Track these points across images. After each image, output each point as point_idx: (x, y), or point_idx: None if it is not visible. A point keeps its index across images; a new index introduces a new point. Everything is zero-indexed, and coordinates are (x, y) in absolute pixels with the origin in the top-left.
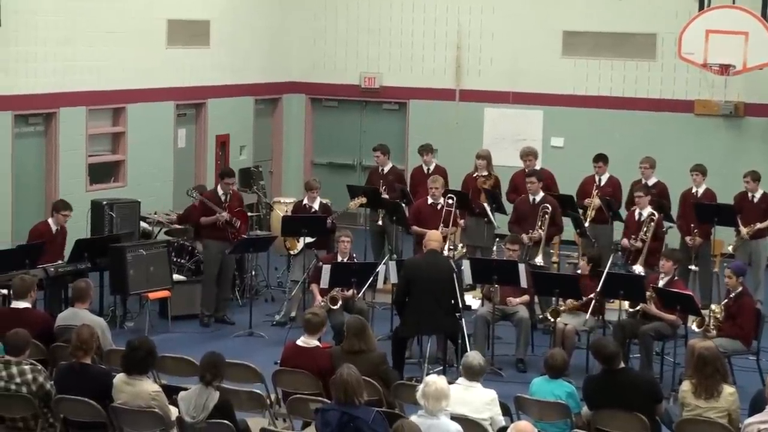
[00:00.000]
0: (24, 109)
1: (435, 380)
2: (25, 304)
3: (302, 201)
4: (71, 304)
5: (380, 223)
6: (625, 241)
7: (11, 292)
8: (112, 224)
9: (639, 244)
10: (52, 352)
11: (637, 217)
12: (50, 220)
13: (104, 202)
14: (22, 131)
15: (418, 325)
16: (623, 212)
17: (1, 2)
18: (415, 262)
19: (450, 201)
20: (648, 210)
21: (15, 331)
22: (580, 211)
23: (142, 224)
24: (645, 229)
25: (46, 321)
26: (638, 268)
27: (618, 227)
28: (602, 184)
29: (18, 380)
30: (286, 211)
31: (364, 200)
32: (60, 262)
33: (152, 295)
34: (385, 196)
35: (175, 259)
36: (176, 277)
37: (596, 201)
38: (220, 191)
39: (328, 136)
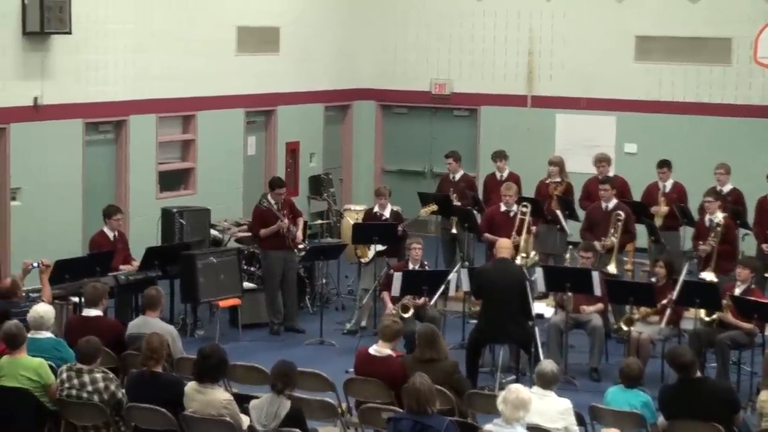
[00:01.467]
0: (94, 116)
1: (518, 388)
2: (97, 312)
3: (373, 208)
4: (142, 312)
5: (453, 230)
6: (701, 247)
7: (83, 299)
8: (183, 232)
9: (708, 248)
10: (123, 360)
11: (707, 224)
12: (105, 229)
13: (174, 210)
14: (93, 139)
15: (490, 333)
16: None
17: (72, 10)
18: (485, 270)
19: (525, 209)
20: (718, 215)
21: (86, 339)
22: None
23: (212, 232)
24: (713, 234)
25: (117, 329)
26: (708, 275)
27: (687, 234)
28: (667, 190)
29: (90, 388)
30: (357, 219)
31: (435, 207)
32: (130, 268)
33: (222, 303)
34: (457, 203)
35: (245, 267)
36: (246, 285)
37: (663, 208)
38: (272, 200)
39: (398, 143)
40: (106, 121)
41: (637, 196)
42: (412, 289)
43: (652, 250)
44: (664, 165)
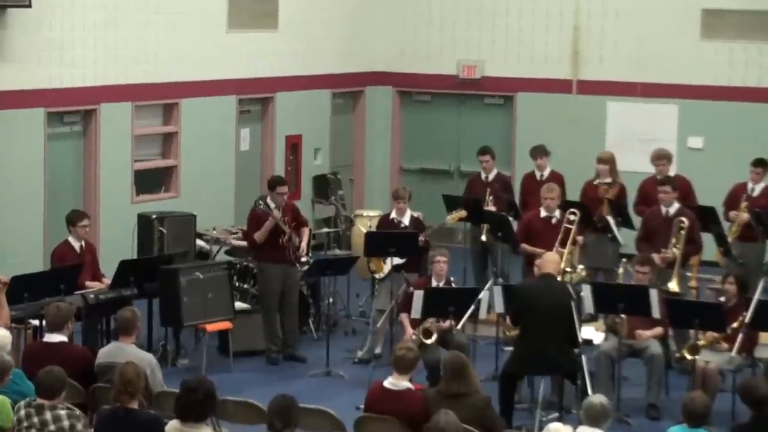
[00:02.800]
0: (58, 105)
1: (558, 428)
2: (61, 337)
3: (389, 214)
4: (114, 337)
5: (483, 239)
6: None
7: (44, 323)
8: (163, 242)
9: None
10: (92, 394)
11: None
12: (70, 238)
13: (153, 216)
14: (57, 132)
15: (528, 362)
16: None
17: None
18: (525, 287)
19: (572, 216)
20: None
21: (49, 370)
22: (726, 225)
23: (199, 242)
24: None
25: (86, 357)
26: None
27: None
28: (756, 194)
29: (52, 428)
30: (370, 227)
31: (464, 213)
32: (100, 286)
33: (210, 327)
34: (490, 208)
35: (237, 284)
36: (239, 305)
37: (743, 215)
38: (271, 204)
39: (420, 137)
40: (72, 110)
41: (703, 199)
42: (436, 311)
43: (723, 265)
44: (760, 164)
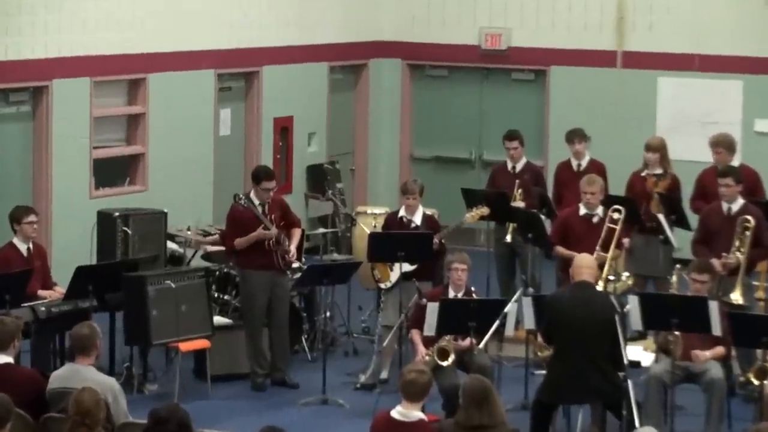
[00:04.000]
0: (2, 81)
1: None
2: (6, 358)
3: (397, 212)
4: (70, 358)
5: (508, 240)
6: None
7: None
8: (128, 244)
9: None
10: (43, 426)
11: None
12: (15, 240)
13: (116, 214)
14: (1, 113)
15: (564, 388)
16: None
17: None
18: (559, 299)
19: (616, 215)
20: None
21: None
22: None
23: (170, 245)
24: None
25: (35, 382)
26: None
27: None
28: None
29: None
30: (375, 226)
31: (486, 210)
32: (52, 296)
33: (184, 346)
34: (518, 203)
35: (216, 295)
36: (218, 320)
37: None
38: (255, 200)
39: (435, 119)
40: (18, 87)
41: None
42: (454, 326)
43: None
44: None
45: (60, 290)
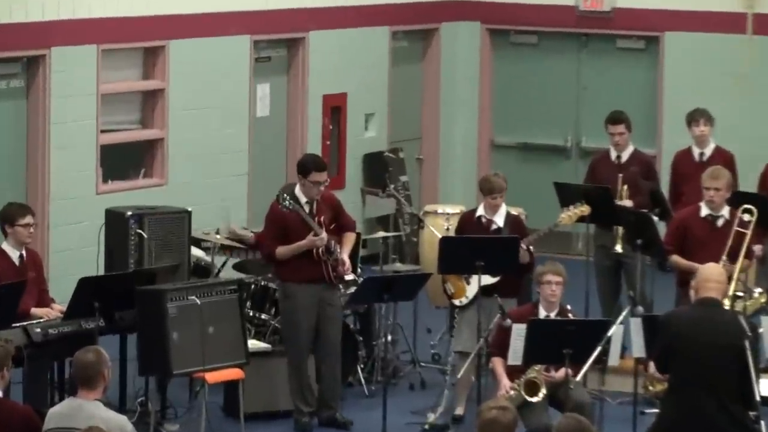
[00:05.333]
0: None
1: None
2: None
3: (475, 211)
4: (71, 391)
5: (618, 250)
6: None
7: None
8: (142, 251)
9: None
10: None
11: None
12: (5, 245)
13: (128, 213)
14: None
15: (682, 430)
16: None
17: None
18: (677, 320)
19: (746, 216)
20: None
21: None
22: None
23: (195, 251)
24: None
25: (28, 420)
26: None
27: None
28: None
29: None
30: (447, 229)
31: (586, 209)
32: (50, 314)
33: (212, 377)
34: (624, 202)
35: (252, 314)
36: (253, 344)
37: None
38: (301, 197)
39: (521, 97)
40: (9, 57)
41: None
42: (545, 354)
43: None
44: None
45: (59, 307)
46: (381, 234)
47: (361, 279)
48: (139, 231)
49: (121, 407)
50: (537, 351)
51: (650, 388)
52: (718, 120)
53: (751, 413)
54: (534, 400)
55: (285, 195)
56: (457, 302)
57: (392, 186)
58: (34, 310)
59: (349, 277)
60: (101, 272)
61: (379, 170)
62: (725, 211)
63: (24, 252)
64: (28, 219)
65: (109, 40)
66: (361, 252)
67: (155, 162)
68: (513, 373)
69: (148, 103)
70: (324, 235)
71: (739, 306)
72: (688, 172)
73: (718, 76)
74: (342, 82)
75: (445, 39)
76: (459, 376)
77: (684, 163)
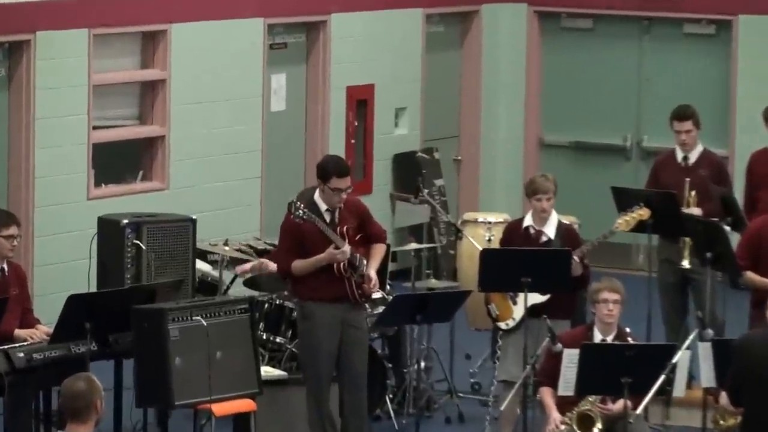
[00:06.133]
0: None
1: None
2: None
3: (521, 220)
4: (59, 424)
5: (685, 264)
6: None
7: None
8: (140, 264)
9: None
10: None
11: None
12: None
13: (124, 222)
14: None
15: None
16: None
17: None
18: (751, 344)
19: None
20: None
21: None
22: None
23: (201, 265)
24: None
25: None
26: None
27: None
28: None
29: None
30: (489, 240)
31: (646, 213)
32: (34, 336)
33: (220, 409)
34: (692, 210)
35: (265, 337)
36: (267, 371)
37: None
38: (321, 205)
39: (574, 90)
40: None
41: None
42: (601, 383)
43: None
44: None
45: (45, 329)
46: (413, 246)
47: (391, 297)
48: (137, 242)
49: None
50: (591, 380)
51: (721, 422)
52: None
53: None
54: None
55: (298, 203)
56: (503, 325)
57: (426, 191)
58: (17, 332)
59: (377, 294)
60: (93, 289)
61: (412, 173)
62: None
63: (5, 266)
64: (12, 230)
65: (102, 24)
66: (391, 266)
67: (155, 163)
68: (564, 405)
69: (146, 95)
70: (347, 247)
71: None
72: (765, 175)
73: None
74: (369, 72)
75: (487, 23)
76: (502, 408)
77: (761, 164)
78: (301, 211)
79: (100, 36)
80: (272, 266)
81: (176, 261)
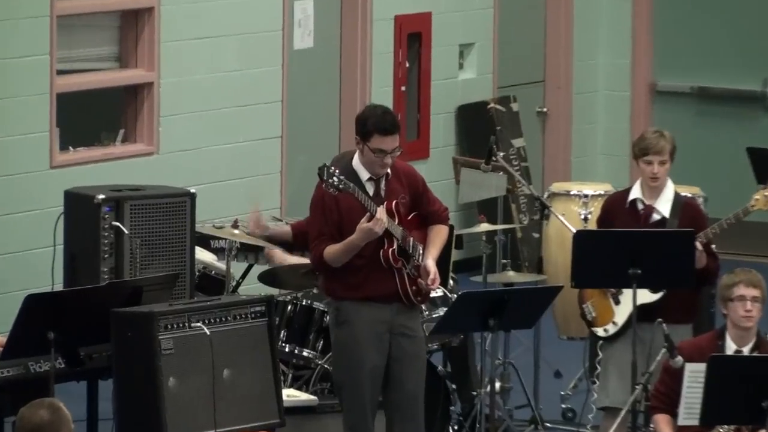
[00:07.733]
0: None
1: None
2: None
3: (627, 192)
4: None
5: None
6: None
7: None
8: (121, 254)
9: None
10: None
11: None
12: None
13: (99, 197)
14: None
15: None
16: None
17: None
18: None
19: None
20: None
21: None
22: None
23: (202, 255)
24: None
25: None
26: None
27: None
28: None
29: None
30: (586, 220)
31: None
32: None
33: None
34: None
35: (288, 349)
36: (291, 395)
37: None
38: (362, 173)
39: (697, 23)
40: None
41: None
42: (737, 409)
43: None
44: None
45: None
46: (484, 227)
47: (455, 296)
48: (116, 223)
49: None
50: (723, 404)
51: None
52: None
53: None
54: None
55: (332, 169)
56: (600, 331)
57: (501, 154)
58: None
59: (437, 293)
60: (59, 286)
61: (482, 131)
62: None
63: None
64: None
65: None
66: (455, 255)
67: (140, 119)
68: None
69: (128, 29)
70: (382, 213)
71: None
72: None
73: None
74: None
75: None
76: None
77: None
78: (336, 178)
79: None
80: (287, 256)
81: (169, 249)
